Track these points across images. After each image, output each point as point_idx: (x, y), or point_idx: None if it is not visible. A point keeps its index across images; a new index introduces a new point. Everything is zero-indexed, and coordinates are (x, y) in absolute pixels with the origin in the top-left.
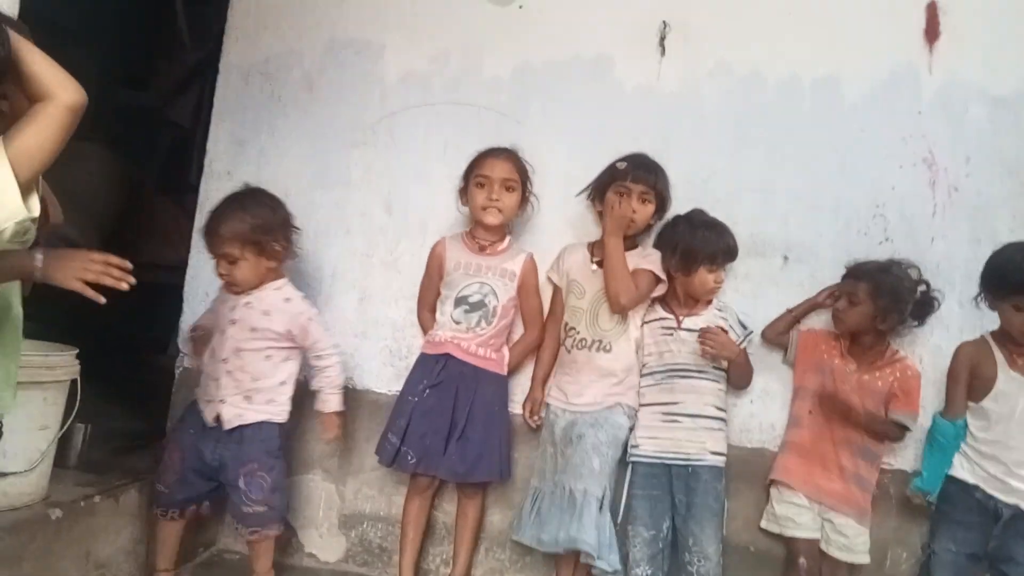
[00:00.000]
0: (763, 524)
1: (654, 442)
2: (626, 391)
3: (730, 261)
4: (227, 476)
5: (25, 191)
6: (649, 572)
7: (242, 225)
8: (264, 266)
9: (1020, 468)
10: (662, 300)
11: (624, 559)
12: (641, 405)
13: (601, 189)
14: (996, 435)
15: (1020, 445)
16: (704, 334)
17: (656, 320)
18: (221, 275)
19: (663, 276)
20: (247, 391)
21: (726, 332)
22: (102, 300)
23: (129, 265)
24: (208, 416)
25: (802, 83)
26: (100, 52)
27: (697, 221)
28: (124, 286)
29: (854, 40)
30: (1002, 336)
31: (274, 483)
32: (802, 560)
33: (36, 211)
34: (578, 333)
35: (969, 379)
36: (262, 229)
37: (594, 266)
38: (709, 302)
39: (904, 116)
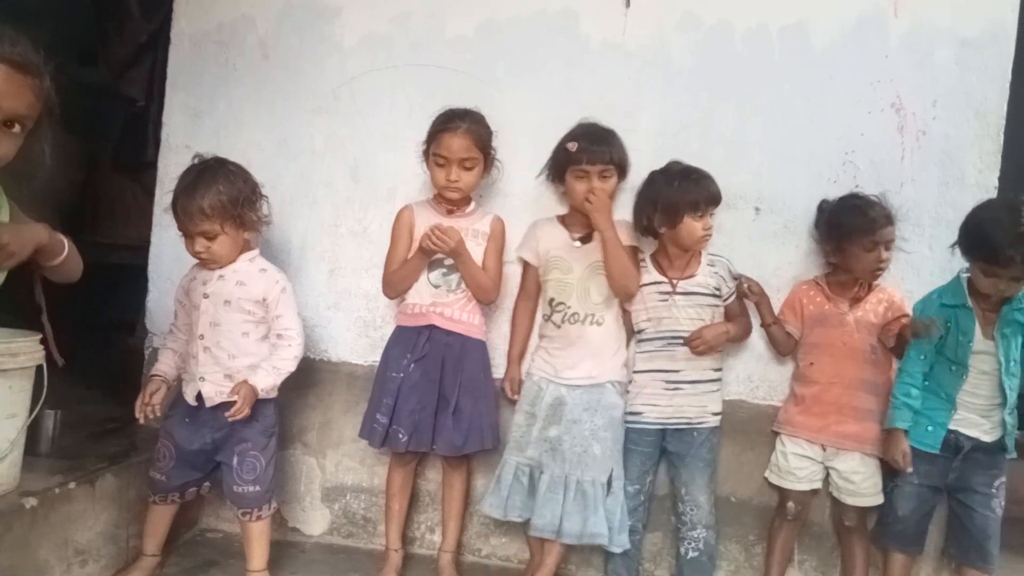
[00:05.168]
0: (767, 475)
1: (656, 409)
2: (617, 367)
3: (714, 206)
4: (222, 454)
5: None
6: (629, 524)
7: (219, 198)
8: (242, 238)
9: (992, 411)
10: (653, 259)
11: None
12: (640, 371)
13: (558, 170)
14: (971, 385)
15: (987, 393)
16: (691, 343)
17: (650, 284)
18: (198, 253)
19: (636, 242)
20: (227, 369)
21: (717, 294)
22: None
23: None
24: (189, 395)
25: (770, 32)
26: (48, 28)
27: (673, 172)
28: None
29: None
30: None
31: (267, 463)
32: (791, 504)
33: None
34: (569, 308)
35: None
36: (239, 200)
37: (577, 243)
38: (699, 255)
39: (872, 61)
